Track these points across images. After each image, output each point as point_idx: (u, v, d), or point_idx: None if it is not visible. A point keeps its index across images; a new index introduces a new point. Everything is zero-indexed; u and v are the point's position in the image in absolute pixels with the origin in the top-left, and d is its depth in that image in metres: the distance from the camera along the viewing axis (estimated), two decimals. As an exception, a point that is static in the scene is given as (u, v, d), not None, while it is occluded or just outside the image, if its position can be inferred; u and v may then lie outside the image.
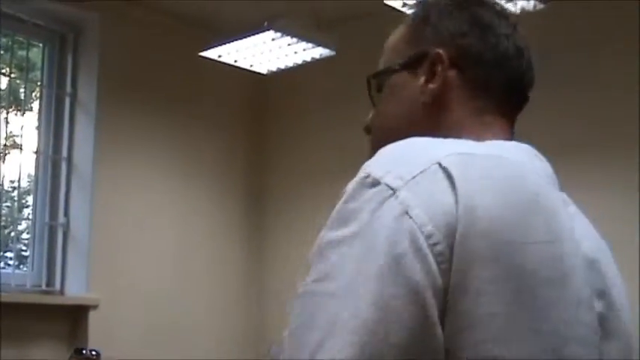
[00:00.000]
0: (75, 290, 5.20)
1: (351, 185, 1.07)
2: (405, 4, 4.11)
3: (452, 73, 1.27)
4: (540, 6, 4.28)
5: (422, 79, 1.28)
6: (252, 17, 4.89)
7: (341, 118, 5.55)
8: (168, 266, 5.64)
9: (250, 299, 6.11)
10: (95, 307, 5.12)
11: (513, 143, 1.23)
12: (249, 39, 4.82)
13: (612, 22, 4.88)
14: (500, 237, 1.00)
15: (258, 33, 4.76)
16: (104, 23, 5.44)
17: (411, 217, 0.99)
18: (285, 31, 4.77)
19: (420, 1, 1.40)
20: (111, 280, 5.24)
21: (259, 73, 5.37)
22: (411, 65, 1.30)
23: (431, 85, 1.27)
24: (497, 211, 1.01)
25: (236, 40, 4.85)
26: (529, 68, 1.33)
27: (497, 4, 1.35)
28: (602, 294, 1.13)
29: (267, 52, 5.03)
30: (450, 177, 1.02)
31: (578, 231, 1.13)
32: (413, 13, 1.37)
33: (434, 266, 0.97)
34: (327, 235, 1.04)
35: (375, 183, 1.04)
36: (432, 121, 1.27)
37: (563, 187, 1.20)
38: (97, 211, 5.28)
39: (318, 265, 1.02)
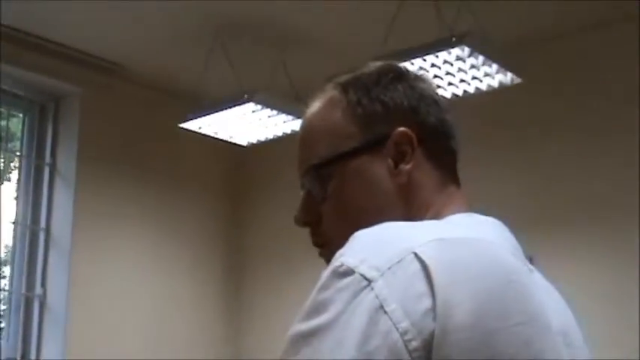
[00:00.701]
0: (51, 362, 5.14)
1: (324, 274, 1.03)
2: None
3: (418, 150, 1.25)
4: (517, 80, 4.34)
5: (390, 161, 1.24)
6: (232, 89, 4.94)
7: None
8: (147, 336, 5.58)
9: (228, 371, 6.06)
10: (71, 379, 5.06)
11: (482, 219, 1.22)
12: (229, 111, 4.85)
13: (593, 89, 4.96)
14: (479, 327, 0.98)
15: (238, 105, 4.79)
16: (85, 93, 5.48)
17: (386, 313, 0.96)
18: (265, 103, 4.81)
19: (346, 78, 1.33)
20: (88, 352, 5.18)
21: (239, 145, 5.40)
22: (372, 147, 1.25)
23: (406, 166, 1.24)
24: (475, 301, 0.99)
25: (216, 111, 4.88)
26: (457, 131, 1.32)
27: (419, 72, 1.34)
28: None
29: (246, 124, 5.06)
30: (425, 268, 0.99)
31: (548, 304, 1.12)
32: (344, 92, 1.30)
33: None
34: (298, 327, 1.01)
35: (349, 272, 1.00)
36: (402, 202, 1.24)
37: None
38: (75, 281, 5.24)
39: (292, 358, 0.99)
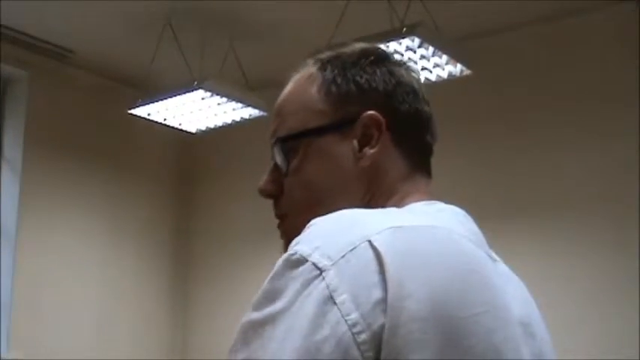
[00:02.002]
0: (-5, 351, 5.08)
1: (277, 263, 1.02)
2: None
3: (386, 136, 1.23)
4: (467, 71, 4.37)
5: (355, 143, 1.22)
6: (182, 77, 4.91)
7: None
8: (91, 327, 5.54)
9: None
10: (16, 367, 5.01)
11: (442, 206, 1.20)
12: (178, 98, 4.82)
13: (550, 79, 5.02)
14: (435, 317, 0.95)
15: (187, 92, 4.76)
16: (32, 80, 5.41)
17: (335, 304, 0.94)
18: (215, 90, 4.78)
19: (328, 55, 1.31)
20: (33, 341, 5.13)
21: (188, 132, 5.37)
22: (340, 127, 1.23)
23: (371, 150, 1.22)
24: (430, 291, 0.97)
25: (165, 98, 4.84)
26: (436, 124, 1.31)
27: (402, 59, 1.31)
28: (538, 355, 1.12)
29: (196, 111, 5.03)
30: (379, 257, 0.98)
31: (510, 293, 1.11)
32: (322, 68, 1.28)
33: (356, 355, 0.93)
34: (251, 315, 1.00)
35: (302, 261, 0.98)
36: (364, 186, 1.22)
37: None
38: (20, 270, 5.18)
39: (242, 347, 0.98)
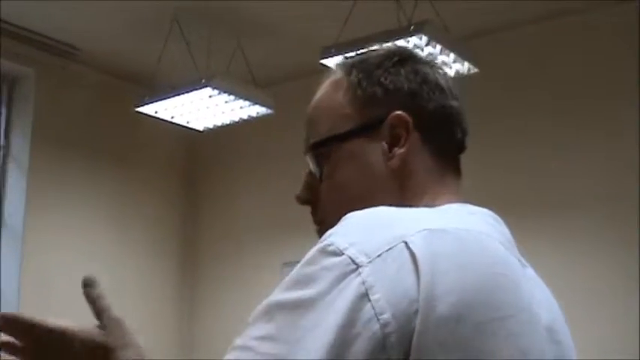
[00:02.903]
0: (2, 347, 5.08)
1: (311, 251, 1.01)
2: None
3: (414, 135, 1.22)
4: (474, 70, 4.36)
5: (384, 144, 1.22)
6: (189, 74, 4.91)
7: (276, 177, 5.57)
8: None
9: (182, 356, 6.03)
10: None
11: (475, 209, 1.20)
12: (186, 95, 4.82)
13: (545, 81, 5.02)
14: (465, 320, 0.96)
15: (195, 90, 4.76)
16: (39, 77, 5.41)
17: (370, 301, 0.94)
18: (222, 88, 4.78)
19: (352, 59, 1.31)
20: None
21: (196, 130, 5.37)
22: (368, 130, 1.23)
23: (399, 150, 1.22)
24: (461, 293, 0.97)
25: (173, 96, 4.85)
26: (466, 118, 1.31)
27: (428, 57, 1.31)
28: None
29: (203, 109, 5.03)
30: (414, 259, 0.98)
31: (537, 298, 1.11)
32: (347, 73, 1.28)
33: (384, 356, 0.93)
34: (279, 295, 0.99)
35: (338, 253, 0.98)
36: (396, 186, 1.22)
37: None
38: (27, 268, 5.19)
39: (264, 324, 0.97)
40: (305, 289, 0.97)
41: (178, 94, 4.82)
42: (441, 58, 4.24)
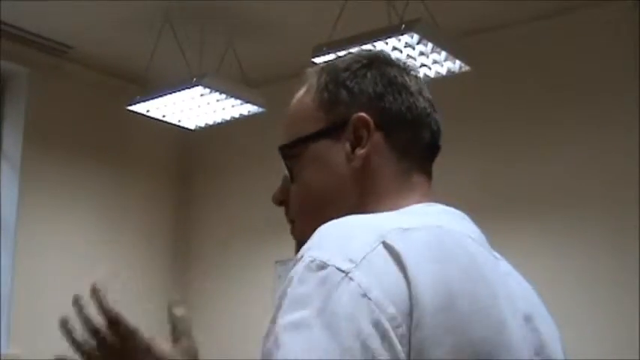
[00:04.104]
0: (-6, 347, 5.08)
1: (296, 269, 1.02)
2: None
3: (377, 136, 1.25)
4: (466, 68, 4.37)
5: (347, 145, 1.25)
6: (181, 73, 4.91)
7: (268, 175, 5.57)
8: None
9: None
10: (15, 363, 5.01)
11: (443, 208, 1.23)
12: (177, 94, 4.82)
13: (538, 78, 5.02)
14: (450, 312, 1.00)
15: (186, 88, 4.77)
16: (32, 76, 5.41)
17: (370, 299, 0.97)
18: (214, 87, 4.78)
19: (324, 64, 1.35)
20: (32, 338, 5.12)
21: (187, 129, 5.37)
22: (332, 131, 1.26)
23: (360, 151, 1.24)
24: (446, 285, 1.01)
25: (164, 95, 4.85)
26: (439, 119, 1.33)
27: (400, 60, 1.33)
28: (540, 350, 1.17)
29: (195, 108, 5.03)
30: (397, 256, 1.01)
31: (513, 289, 1.15)
32: (318, 77, 1.32)
33: (398, 348, 0.96)
34: (282, 319, 0.99)
35: (323, 266, 1.00)
36: (360, 187, 1.24)
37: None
38: (20, 267, 5.18)
39: (276, 350, 0.97)
40: (306, 307, 0.98)
41: (170, 93, 4.83)
42: (432, 57, 4.24)
